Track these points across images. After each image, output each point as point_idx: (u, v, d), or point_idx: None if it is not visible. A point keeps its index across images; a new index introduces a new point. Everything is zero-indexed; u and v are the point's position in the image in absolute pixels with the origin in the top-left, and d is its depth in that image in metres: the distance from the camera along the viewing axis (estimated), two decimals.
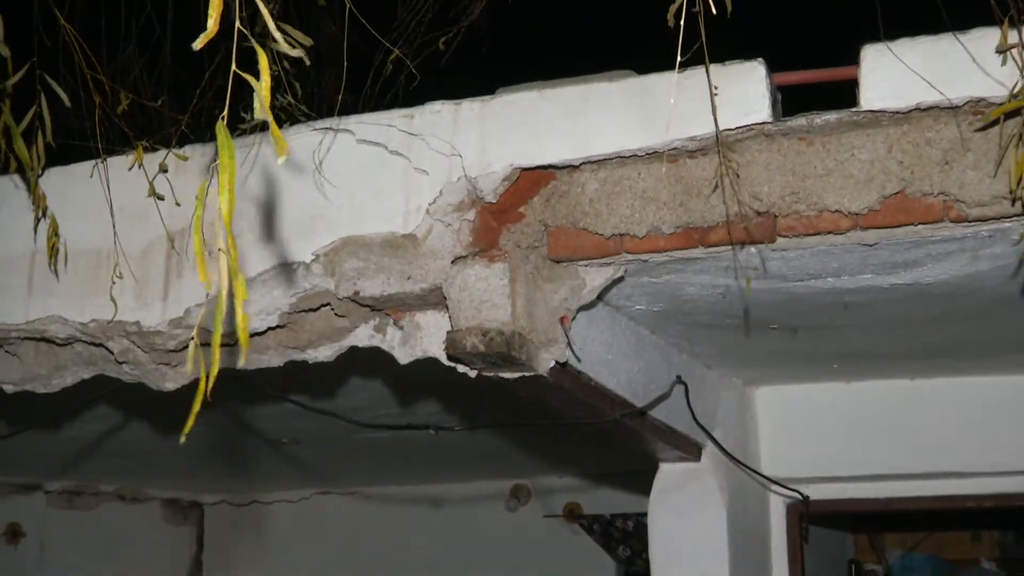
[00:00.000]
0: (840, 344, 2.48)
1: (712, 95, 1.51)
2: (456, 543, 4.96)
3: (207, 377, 0.58)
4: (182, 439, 0.73)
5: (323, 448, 4.17)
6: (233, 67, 0.66)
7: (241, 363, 0.81)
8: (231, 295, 0.58)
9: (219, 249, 0.59)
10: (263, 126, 1.79)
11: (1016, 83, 1.48)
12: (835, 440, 2.84)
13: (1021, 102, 1.49)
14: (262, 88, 0.59)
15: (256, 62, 0.61)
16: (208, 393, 0.59)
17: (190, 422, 0.60)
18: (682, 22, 1.28)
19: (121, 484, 4.93)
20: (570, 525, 4.78)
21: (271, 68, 0.63)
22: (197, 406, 0.59)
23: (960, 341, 2.46)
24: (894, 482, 2.91)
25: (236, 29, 0.70)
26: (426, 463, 4.47)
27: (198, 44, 0.59)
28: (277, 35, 0.68)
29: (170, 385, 1.88)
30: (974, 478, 2.84)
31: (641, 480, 2.97)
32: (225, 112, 0.65)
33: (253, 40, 0.65)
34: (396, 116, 1.77)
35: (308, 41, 1.21)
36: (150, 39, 2.96)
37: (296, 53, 0.87)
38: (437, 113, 1.73)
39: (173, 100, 2.46)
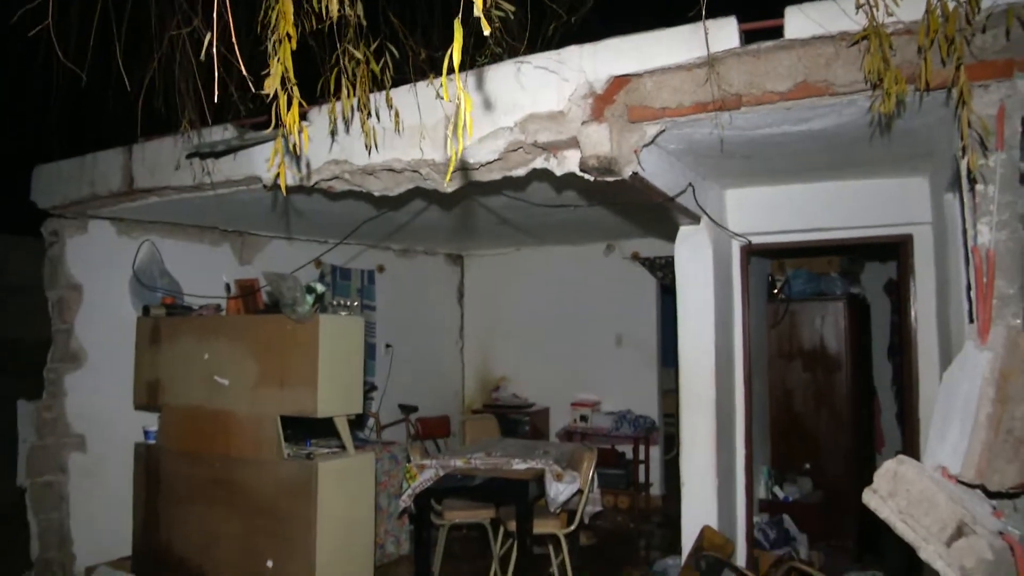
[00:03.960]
0: (771, 164, 3.98)
1: (706, 35, 2.94)
2: (581, 273, 7.94)
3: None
4: (446, 185, 2.44)
5: (517, 226, 6.40)
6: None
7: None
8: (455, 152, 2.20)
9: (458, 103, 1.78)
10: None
11: (865, 24, 2.79)
12: (766, 214, 4.58)
13: (866, 32, 2.79)
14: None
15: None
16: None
17: (448, 173, 2.26)
18: None
19: (426, 246, 7.96)
20: (634, 262, 7.57)
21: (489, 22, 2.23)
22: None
23: (831, 161, 3.91)
24: (793, 234, 4.65)
25: None
26: (567, 232, 6.95)
27: None
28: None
29: (449, 188, 3.58)
30: (832, 232, 4.58)
31: (669, 237, 4.68)
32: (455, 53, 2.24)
33: None
34: (552, 54, 3.13)
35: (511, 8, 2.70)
36: None
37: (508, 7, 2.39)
38: (571, 51, 3.13)
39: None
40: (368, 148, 3.37)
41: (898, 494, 2.58)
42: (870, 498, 2.64)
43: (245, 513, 4.04)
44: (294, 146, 1.99)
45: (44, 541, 4.91)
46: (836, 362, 6.31)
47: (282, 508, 3.91)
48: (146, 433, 4.68)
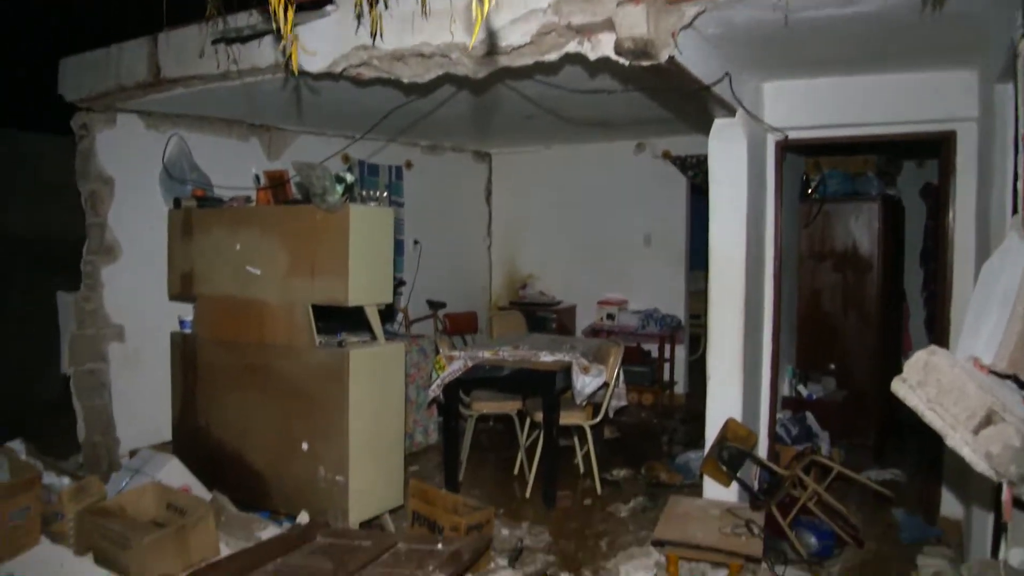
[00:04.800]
0: (811, 54, 3.82)
1: None
2: (611, 172, 7.90)
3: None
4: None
5: (544, 122, 6.27)
6: None
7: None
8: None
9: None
10: None
11: None
12: (804, 108, 4.45)
13: None
14: None
15: None
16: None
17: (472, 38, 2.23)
18: None
19: (453, 143, 7.91)
20: (664, 161, 7.48)
21: None
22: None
23: (875, 51, 3.76)
24: (831, 129, 4.51)
25: None
26: (596, 130, 6.83)
27: None
28: None
29: (481, 74, 3.50)
30: (872, 127, 4.42)
31: (702, 134, 4.62)
32: None
33: None
34: None
35: None
36: None
37: None
38: None
39: None
40: (373, 35, 3.32)
41: (928, 383, 2.57)
42: (899, 387, 2.64)
43: (280, 399, 4.15)
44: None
45: (90, 426, 5.11)
46: (867, 264, 6.24)
47: (315, 394, 4.01)
48: (181, 323, 4.78)
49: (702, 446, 4.46)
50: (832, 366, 6.38)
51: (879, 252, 6.21)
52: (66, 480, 3.80)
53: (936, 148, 4.61)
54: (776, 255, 4.78)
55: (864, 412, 6.05)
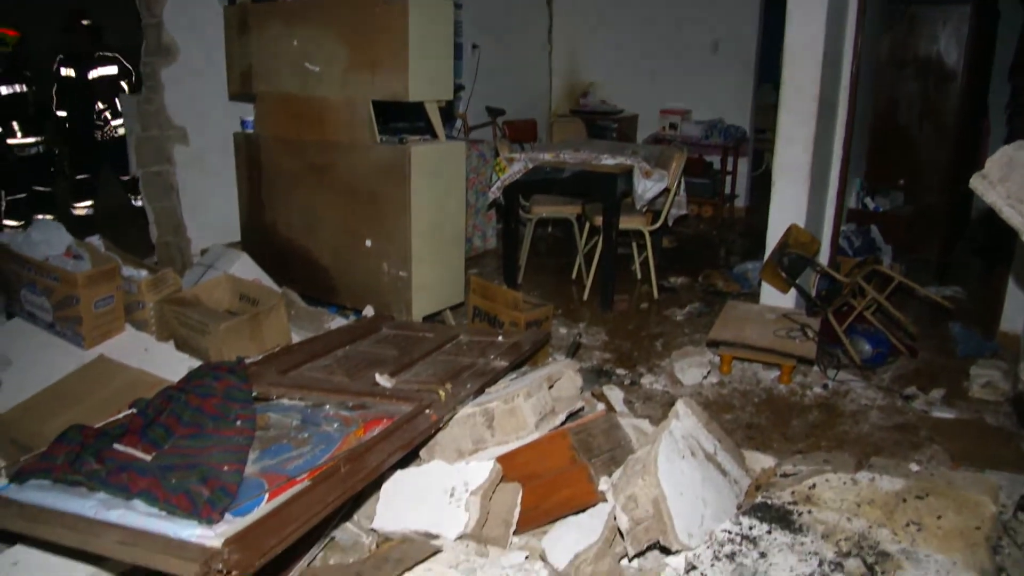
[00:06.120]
0: None
1: None
2: None
3: None
4: None
5: None
6: None
7: None
8: None
9: None
10: None
11: None
12: None
13: None
14: None
15: None
16: None
17: None
18: None
19: None
20: None
21: None
22: None
23: None
24: None
25: None
26: None
27: None
28: None
29: None
30: None
31: None
32: None
33: None
34: None
35: None
36: None
37: None
38: None
39: None
40: None
41: (1010, 179, 2.49)
42: (978, 183, 2.56)
43: (343, 196, 4.21)
44: None
45: (161, 227, 5.29)
46: (950, 74, 5.85)
47: (377, 191, 4.05)
48: (243, 122, 4.80)
49: (761, 257, 4.45)
50: (902, 180, 6.18)
51: (965, 62, 5.77)
52: (144, 273, 3.98)
53: None
54: (854, 58, 4.50)
55: (930, 229, 5.91)
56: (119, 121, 6.10)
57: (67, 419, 2.45)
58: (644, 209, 4.86)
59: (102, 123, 6.34)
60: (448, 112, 4.43)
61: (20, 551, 2.09)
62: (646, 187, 4.58)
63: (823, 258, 4.68)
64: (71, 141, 6.56)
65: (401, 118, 4.23)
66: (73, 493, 1.92)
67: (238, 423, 2.37)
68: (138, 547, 1.69)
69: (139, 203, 5.69)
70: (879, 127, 6.15)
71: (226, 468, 2.00)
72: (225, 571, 1.57)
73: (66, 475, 1.97)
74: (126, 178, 6.32)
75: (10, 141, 5.99)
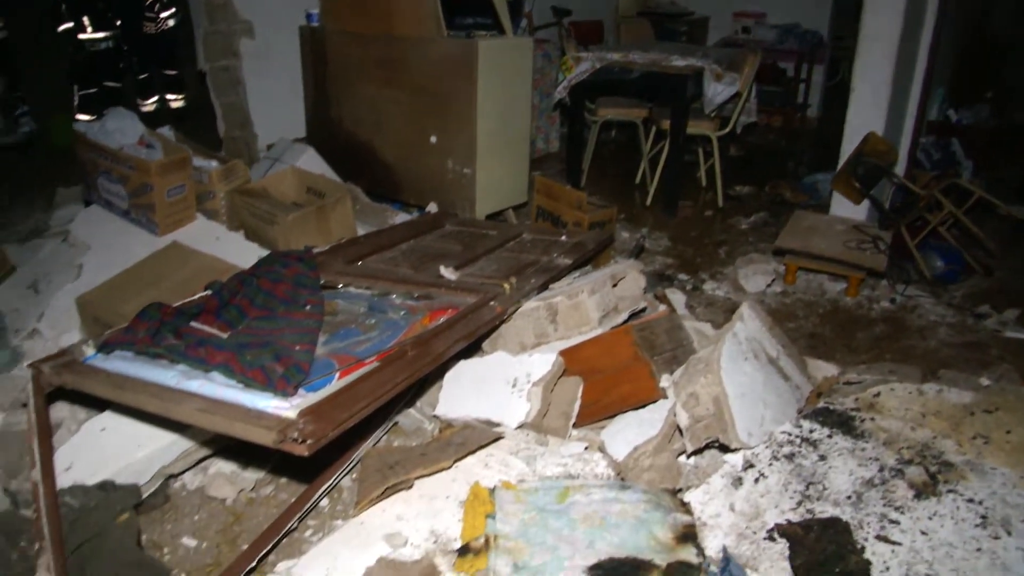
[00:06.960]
0: None
1: None
2: None
3: None
4: None
5: None
6: None
7: None
8: None
9: None
10: None
11: None
12: None
13: None
14: None
15: None
16: None
17: None
18: None
19: None
20: None
21: None
22: None
23: None
24: None
25: None
26: None
27: None
28: None
29: None
30: None
31: None
32: None
33: None
34: None
35: None
36: None
37: None
38: None
39: None
40: None
41: None
42: None
43: (409, 91, 4.17)
44: None
45: (228, 121, 5.32)
46: None
47: (444, 87, 4.00)
48: (309, 16, 4.75)
49: (832, 169, 4.30)
50: (989, 93, 5.86)
51: None
52: (214, 163, 4.03)
53: None
54: None
55: (1016, 145, 5.62)
56: (168, 12, 6.07)
57: (145, 299, 2.54)
58: (713, 114, 4.72)
59: (153, 15, 6.33)
60: (516, 8, 4.31)
61: (108, 417, 2.21)
62: (716, 90, 4.43)
63: (899, 170, 4.51)
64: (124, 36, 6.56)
65: (468, 13, 4.13)
66: (155, 364, 2.01)
67: (307, 307, 2.43)
68: (218, 415, 1.77)
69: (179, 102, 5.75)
70: (967, 36, 5.81)
71: (298, 348, 2.06)
72: (301, 440, 1.64)
73: (148, 348, 2.06)
74: (173, 72, 6.34)
75: (81, 36, 6.02)
